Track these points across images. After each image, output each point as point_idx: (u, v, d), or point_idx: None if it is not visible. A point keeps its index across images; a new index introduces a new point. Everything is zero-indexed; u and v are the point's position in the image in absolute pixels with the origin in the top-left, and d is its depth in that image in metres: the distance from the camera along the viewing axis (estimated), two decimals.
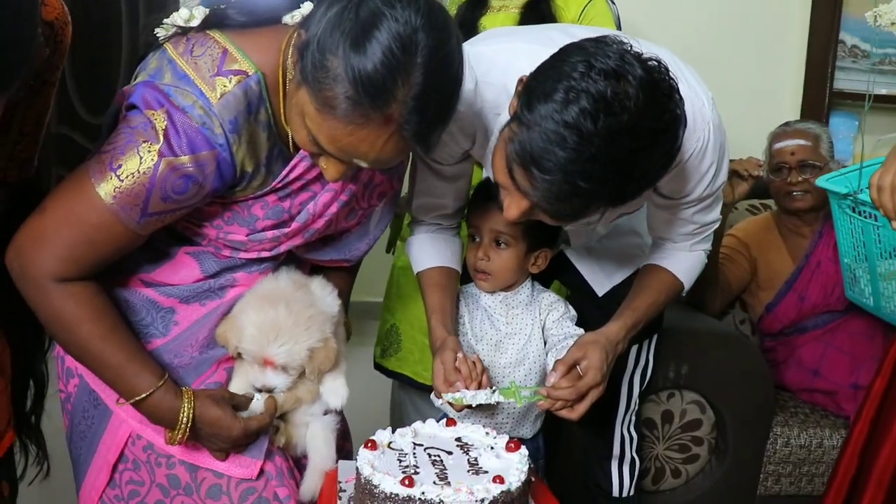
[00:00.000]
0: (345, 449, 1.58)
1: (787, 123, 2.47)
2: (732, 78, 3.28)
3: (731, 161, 2.22)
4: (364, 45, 1.10)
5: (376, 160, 1.22)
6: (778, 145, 2.41)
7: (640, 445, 1.92)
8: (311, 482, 1.42)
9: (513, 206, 1.25)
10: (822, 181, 1.97)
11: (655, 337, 1.82)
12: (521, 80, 1.23)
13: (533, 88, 1.17)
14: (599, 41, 1.18)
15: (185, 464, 1.38)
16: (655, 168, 1.19)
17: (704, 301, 2.35)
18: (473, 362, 1.43)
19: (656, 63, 1.17)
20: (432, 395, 1.49)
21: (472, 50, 1.32)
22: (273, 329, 1.34)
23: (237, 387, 1.39)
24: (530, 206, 1.24)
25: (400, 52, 1.10)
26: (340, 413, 1.49)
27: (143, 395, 1.30)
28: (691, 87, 1.38)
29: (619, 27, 2.21)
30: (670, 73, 1.19)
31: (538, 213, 1.26)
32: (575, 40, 1.34)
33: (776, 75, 3.45)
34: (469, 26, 2.26)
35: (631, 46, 1.18)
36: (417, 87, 1.12)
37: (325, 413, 1.46)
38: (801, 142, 2.37)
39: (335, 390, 1.42)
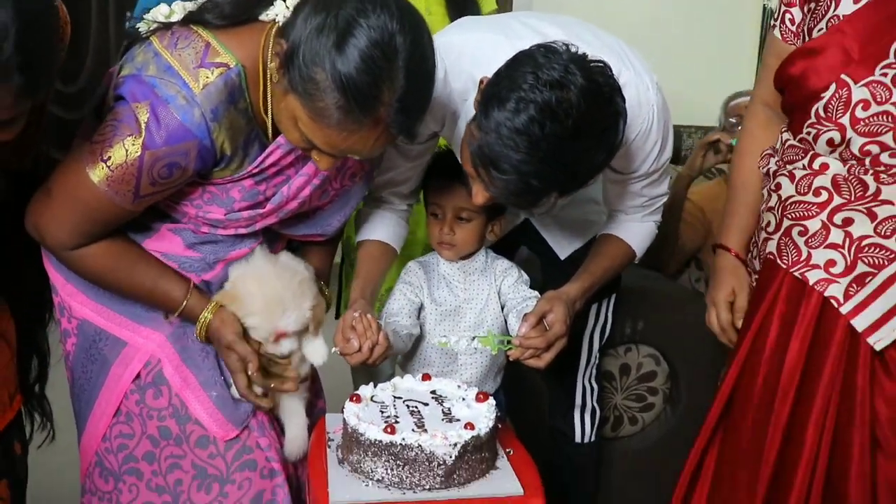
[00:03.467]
0: (317, 406, 1.71)
1: (740, 92, 2.65)
2: (692, 49, 3.39)
3: (710, 134, 2.40)
4: (348, 55, 1.21)
5: (367, 154, 1.36)
6: (733, 103, 2.62)
7: (601, 395, 2.06)
8: (294, 447, 1.56)
9: (479, 193, 1.40)
10: None
11: (614, 296, 1.95)
12: (482, 81, 1.37)
13: (490, 96, 1.31)
14: (548, 50, 1.31)
15: (176, 416, 1.51)
16: (598, 162, 1.34)
17: (661, 262, 2.51)
18: (369, 321, 1.49)
19: (600, 66, 1.31)
20: (333, 348, 1.56)
21: (442, 40, 1.43)
22: (278, 304, 1.47)
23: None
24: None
25: (382, 59, 1.22)
26: (314, 373, 1.63)
27: (183, 304, 1.46)
28: (637, 72, 1.52)
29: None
30: (611, 75, 1.33)
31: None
32: (533, 31, 1.49)
33: (733, 44, 3.56)
34: None
35: (578, 50, 1.32)
36: (401, 90, 1.25)
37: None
38: None
39: (317, 350, 1.55)
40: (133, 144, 1.31)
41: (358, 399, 1.44)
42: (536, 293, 1.69)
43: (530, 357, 1.54)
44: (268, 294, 1.48)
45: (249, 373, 1.45)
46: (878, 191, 1.37)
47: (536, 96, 1.25)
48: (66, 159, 1.40)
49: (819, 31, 1.41)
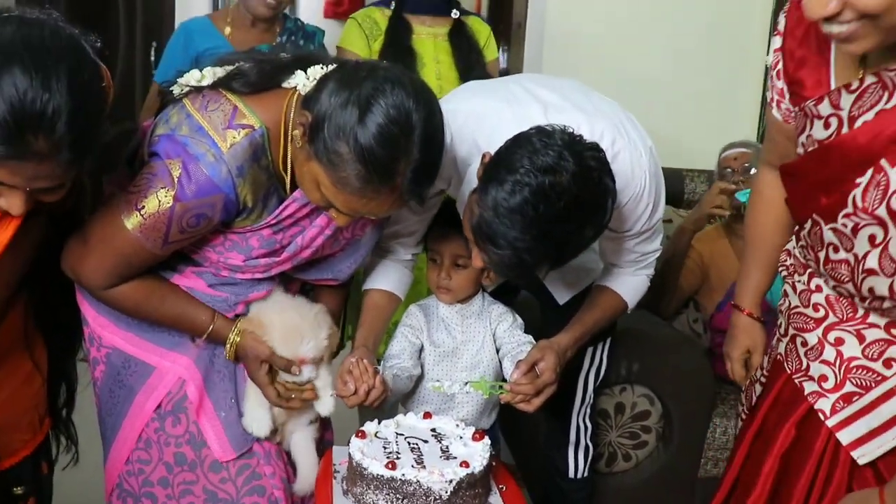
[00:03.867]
0: (325, 438, 1.82)
1: (732, 143, 2.81)
2: (697, 98, 3.42)
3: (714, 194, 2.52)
4: (370, 130, 1.34)
5: (381, 215, 1.52)
6: (724, 154, 2.78)
7: (595, 433, 2.16)
8: (304, 484, 1.69)
9: (478, 258, 1.52)
10: (742, 195, 2.28)
11: (609, 340, 2.05)
12: (485, 155, 1.50)
13: (490, 175, 1.43)
14: (544, 134, 1.43)
15: (192, 442, 1.63)
16: (587, 238, 1.46)
17: (659, 305, 2.62)
18: (366, 367, 1.59)
19: (592, 149, 1.44)
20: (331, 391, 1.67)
21: (448, 107, 1.54)
22: (297, 333, 1.60)
23: (253, 403, 1.65)
24: None
25: (400, 135, 1.35)
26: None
27: (211, 327, 1.59)
28: (630, 139, 1.64)
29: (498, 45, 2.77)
30: (602, 156, 1.45)
31: None
32: (532, 97, 1.63)
33: (735, 95, 3.58)
34: (403, 48, 2.63)
35: (573, 131, 1.45)
36: (415, 162, 1.38)
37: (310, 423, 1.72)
38: (744, 150, 2.75)
39: (324, 401, 1.67)
40: (166, 196, 1.44)
41: (363, 435, 1.56)
42: (531, 338, 1.79)
43: (520, 401, 1.64)
44: (286, 323, 1.61)
45: (293, 372, 1.60)
46: (867, 314, 1.41)
47: (531, 180, 1.37)
48: (101, 208, 1.54)
49: (801, 143, 1.43)
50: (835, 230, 1.36)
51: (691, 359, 2.38)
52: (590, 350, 2.03)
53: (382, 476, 1.43)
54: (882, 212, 1.26)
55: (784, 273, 1.59)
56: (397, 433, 1.59)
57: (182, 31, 2.72)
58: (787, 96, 1.44)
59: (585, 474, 2.13)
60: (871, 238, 1.29)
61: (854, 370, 1.42)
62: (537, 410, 1.67)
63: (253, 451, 1.65)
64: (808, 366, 1.48)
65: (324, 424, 1.79)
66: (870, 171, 1.27)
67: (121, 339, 1.66)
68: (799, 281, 1.52)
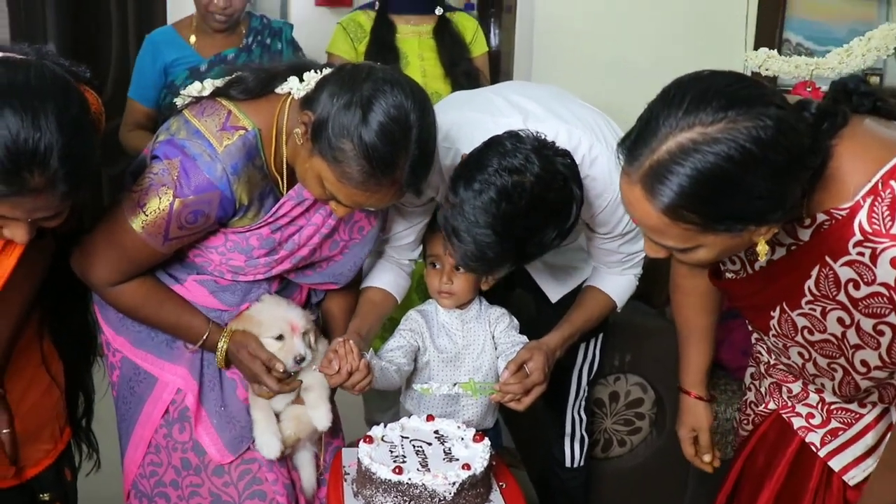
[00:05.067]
0: (333, 444, 1.90)
1: None
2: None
3: None
4: (373, 129, 1.43)
5: (382, 206, 1.61)
6: None
7: (591, 421, 2.26)
8: (307, 494, 1.81)
9: (450, 257, 1.63)
10: None
11: (601, 335, 2.14)
12: (463, 157, 1.60)
13: (461, 174, 1.54)
14: (516, 139, 1.53)
15: (196, 449, 1.73)
16: (549, 239, 1.55)
17: (651, 295, 2.69)
18: (351, 347, 1.61)
19: (561, 156, 1.53)
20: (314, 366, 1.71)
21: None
22: (284, 302, 1.72)
23: (262, 428, 1.72)
24: None
25: (400, 133, 1.45)
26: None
27: (205, 337, 1.68)
28: (609, 145, 1.71)
29: (488, 40, 2.91)
30: (572, 163, 1.55)
31: None
32: (515, 107, 1.72)
33: None
34: (388, 47, 2.70)
35: (545, 137, 1.54)
36: (413, 157, 1.48)
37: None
38: None
39: (323, 415, 1.75)
40: (166, 194, 1.53)
41: (370, 440, 1.64)
42: (524, 338, 1.87)
43: (510, 401, 1.73)
44: (271, 306, 1.72)
45: (277, 368, 1.67)
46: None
47: (497, 180, 1.48)
48: (108, 210, 1.63)
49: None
50: (804, 315, 1.38)
51: None
52: (583, 346, 2.11)
53: (390, 480, 1.51)
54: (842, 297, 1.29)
55: (755, 335, 1.65)
56: (402, 436, 1.67)
57: (148, 45, 2.74)
58: None
59: (581, 463, 2.22)
60: (840, 321, 1.33)
61: (835, 412, 1.53)
62: (527, 408, 1.74)
63: (255, 456, 1.74)
64: (793, 405, 1.58)
65: (333, 432, 1.87)
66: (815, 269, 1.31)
67: (128, 352, 1.76)
68: (773, 343, 1.55)
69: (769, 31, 3.57)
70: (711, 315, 1.72)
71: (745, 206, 1.14)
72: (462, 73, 2.76)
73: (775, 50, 2.61)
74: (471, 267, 1.64)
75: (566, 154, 1.56)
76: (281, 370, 1.68)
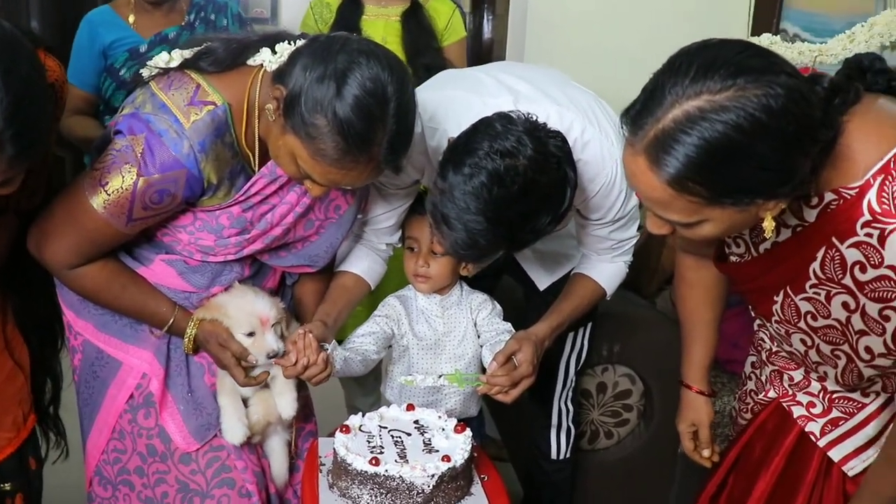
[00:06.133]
0: (307, 430, 1.85)
1: None
2: None
3: None
4: (348, 103, 1.35)
5: (359, 185, 1.52)
6: None
7: (578, 412, 2.20)
8: (279, 482, 1.76)
9: (438, 242, 1.55)
10: None
11: (590, 325, 2.09)
12: (450, 140, 1.52)
13: (449, 158, 1.45)
14: (507, 120, 1.45)
15: (161, 435, 1.67)
16: (543, 224, 1.48)
17: (640, 285, 2.64)
18: (310, 341, 1.56)
19: (553, 137, 1.46)
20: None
21: (420, 97, 1.54)
22: (252, 293, 1.65)
23: (228, 414, 1.67)
24: None
25: (377, 107, 1.37)
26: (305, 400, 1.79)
27: (170, 323, 1.62)
28: (601, 128, 1.65)
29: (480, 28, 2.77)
30: (564, 144, 1.48)
31: None
32: (504, 87, 1.64)
33: None
34: (352, 27, 2.61)
35: (537, 118, 1.46)
36: (391, 132, 1.40)
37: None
38: None
39: (288, 404, 1.69)
40: (129, 172, 1.45)
41: (347, 430, 1.58)
42: (509, 326, 1.80)
43: (497, 393, 1.66)
44: (239, 298, 1.65)
45: (249, 361, 1.62)
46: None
47: (488, 164, 1.40)
48: (68, 187, 1.54)
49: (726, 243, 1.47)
50: (808, 299, 1.34)
51: (670, 336, 2.39)
52: (570, 335, 2.06)
53: (366, 472, 1.45)
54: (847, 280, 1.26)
55: (757, 322, 1.61)
56: (381, 426, 1.61)
57: (85, 26, 2.57)
58: None
59: (567, 455, 2.18)
60: (845, 305, 1.29)
61: (837, 401, 1.48)
62: (515, 401, 1.69)
63: (223, 443, 1.68)
64: (794, 394, 1.54)
65: (305, 417, 1.81)
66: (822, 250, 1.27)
67: (90, 335, 1.69)
68: (775, 329, 1.51)
69: (766, 21, 3.56)
70: (716, 308, 1.69)
71: (754, 177, 1.10)
72: (422, 66, 2.64)
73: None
74: (461, 255, 1.55)
75: (559, 135, 1.48)
76: (253, 363, 1.63)
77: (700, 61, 1.10)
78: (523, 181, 1.41)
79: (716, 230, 1.18)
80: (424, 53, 2.68)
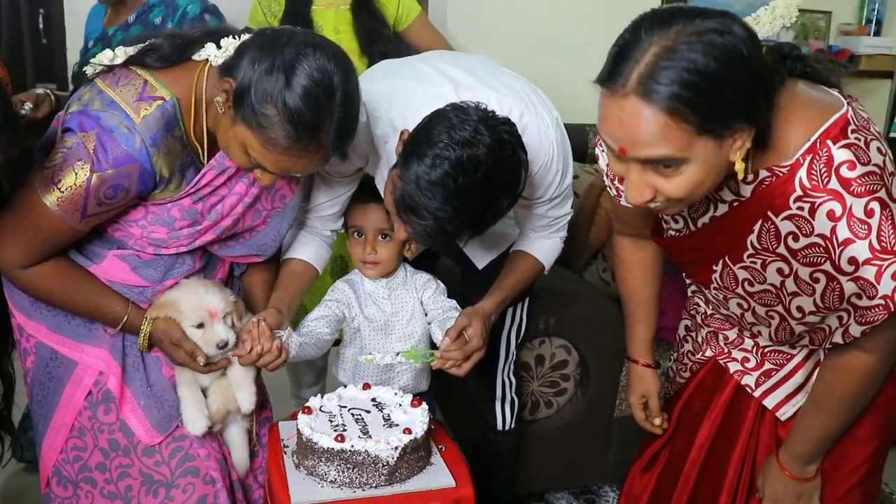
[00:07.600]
0: (263, 416, 1.90)
1: None
2: (599, 56, 3.52)
3: None
4: (297, 93, 1.42)
5: (308, 171, 1.58)
6: None
7: (519, 385, 2.30)
8: (240, 470, 1.80)
9: (401, 230, 1.61)
10: None
11: (527, 299, 2.18)
12: (403, 132, 1.59)
13: (410, 150, 1.52)
14: (461, 111, 1.53)
15: (123, 429, 1.69)
16: (503, 207, 1.57)
17: (570, 260, 2.77)
18: (264, 329, 1.61)
19: (504, 123, 1.54)
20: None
21: (363, 88, 1.60)
22: (203, 287, 1.68)
23: (188, 405, 1.71)
24: None
25: (324, 97, 1.44)
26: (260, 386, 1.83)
27: (125, 320, 1.64)
28: (538, 113, 1.74)
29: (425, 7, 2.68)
30: (514, 130, 1.56)
31: None
32: (444, 76, 1.71)
33: None
34: (303, 20, 2.63)
35: (486, 107, 1.55)
36: (338, 120, 1.47)
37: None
38: None
39: (247, 397, 1.74)
40: (82, 169, 1.48)
41: (309, 411, 1.64)
42: (455, 303, 1.89)
43: (451, 367, 1.75)
44: (189, 292, 1.69)
45: (199, 361, 1.66)
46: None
47: (450, 154, 1.47)
48: (17, 189, 1.56)
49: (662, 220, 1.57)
50: (745, 267, 1.44)
51: (602, 308, 2.54)
52: (510, 310, 2.15)
53: (333, 449, 1.52)
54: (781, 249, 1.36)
55: (692, 288, 1.74)
56: (340, 406, 1.69)
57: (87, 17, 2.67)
58: None
59: (512, 426, 2.27)
60: (780, 271, 1.40)
61: (769, 354, 1.62)
62: (467, 374, 1.78)
63: (185, 433, 1.71)
64: (729, 351, 1.67)
65: (261, 404, 1.86)
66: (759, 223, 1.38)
67: (43, 337, 1.70)
68: (713, 295, 1.61)
69: (677, 4, 3.69)
70: (654, 286, 1.80)
71: (734, 99, 1.16)
72: (378, 53, 2.69)
73: None
74: (430, 243, 1.63)
75: (508, 122, 1.57)
76: (202, 362, 1.67)
77: (661, 14, 1.18)
78: (485, 169, 1.48)
79: (695, 176, 1.22)
80: (378, 41, 2.72)
